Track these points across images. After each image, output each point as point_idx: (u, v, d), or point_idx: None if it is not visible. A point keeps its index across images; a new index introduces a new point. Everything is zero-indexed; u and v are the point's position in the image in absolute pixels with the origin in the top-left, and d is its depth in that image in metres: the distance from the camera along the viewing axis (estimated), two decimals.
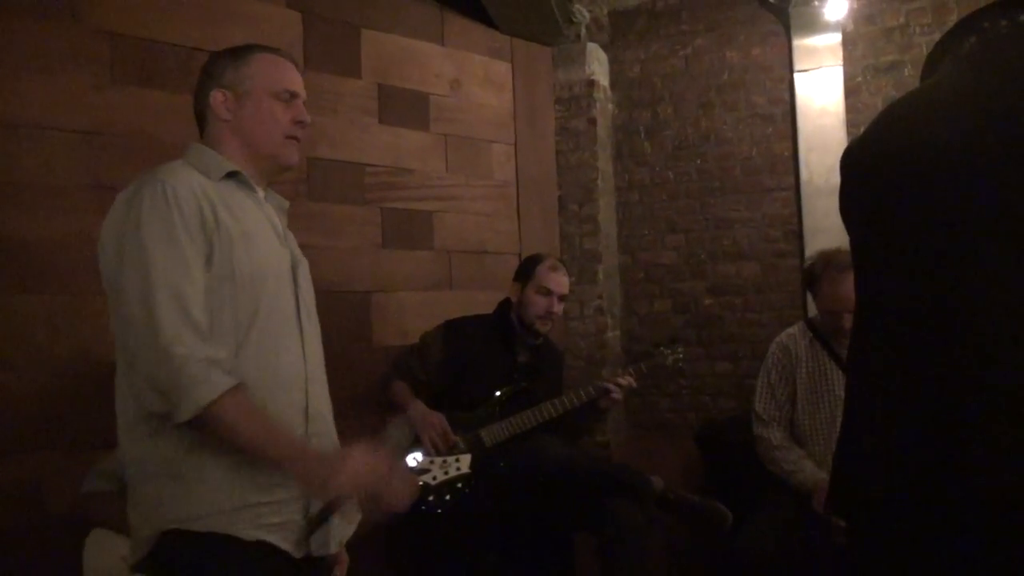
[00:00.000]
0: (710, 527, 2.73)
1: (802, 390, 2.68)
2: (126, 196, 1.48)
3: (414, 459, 2.52)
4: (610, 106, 4.02)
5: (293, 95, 1.62)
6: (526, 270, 2.89)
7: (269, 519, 1.45)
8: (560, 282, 2.84)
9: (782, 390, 2.71)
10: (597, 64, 3.85)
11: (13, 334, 2.35)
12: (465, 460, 2.50)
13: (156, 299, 1.37)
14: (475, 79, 3.53)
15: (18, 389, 2.34)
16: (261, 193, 1.65)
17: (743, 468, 2.87)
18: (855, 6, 3.67)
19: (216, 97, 1.59)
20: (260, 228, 1.57)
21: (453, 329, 2.84)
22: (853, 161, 1.32)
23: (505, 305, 2.90)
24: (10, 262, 2.36)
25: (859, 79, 3.68)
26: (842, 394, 1.89)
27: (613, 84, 4.04)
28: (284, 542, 1.48)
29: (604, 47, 3.97)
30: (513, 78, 3.67)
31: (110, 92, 2.57)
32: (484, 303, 3.06)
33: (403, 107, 3.28)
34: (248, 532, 1.43)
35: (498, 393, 2.73)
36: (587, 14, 3.81)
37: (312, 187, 2.98)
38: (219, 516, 1.42)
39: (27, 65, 2.42)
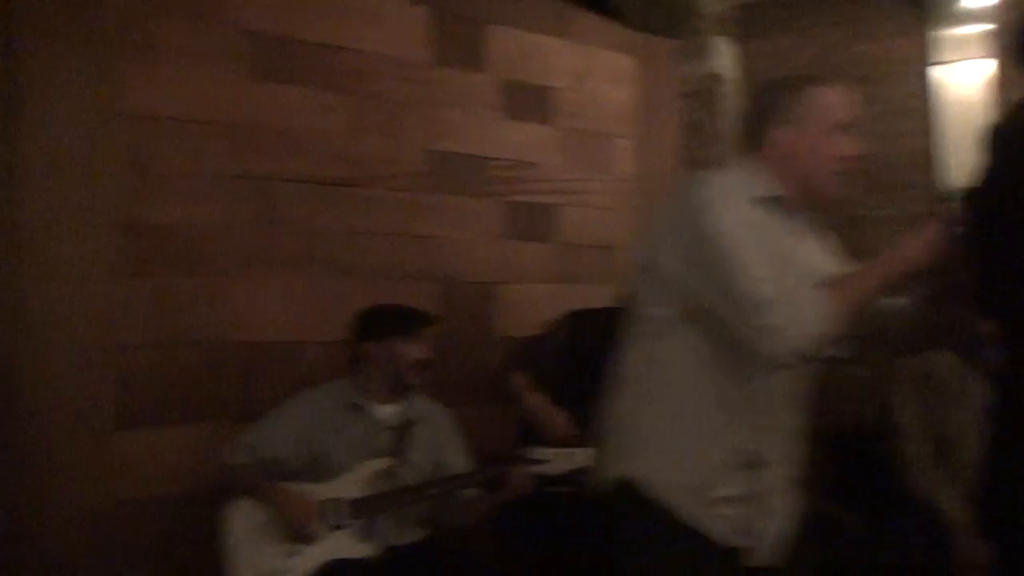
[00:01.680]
0: (839, 535, 2.63)
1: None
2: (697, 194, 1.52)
3: (537, 451, 2.52)
4: (736, 101, 3.93)
5: (845, 128, 1.61)
6: None
7: (720, 510, 1.52)
8: None
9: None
10: (724, 57, 3.78)
11: (162, 314, 2.49)
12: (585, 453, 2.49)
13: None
14: (599, 74, 3.53)
15: (165, 366, 2.48)
16: (798, 221, 1.65)
17: (874, 476, 2.76)
18: None
19: (779, 135, 1.60)
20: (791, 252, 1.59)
21: (577, 319, 2.84)
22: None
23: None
24: (158, 247, 2.51)
25: (1007, 71, 3.47)
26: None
27: (741, 78, 3.95)
28: (723, 536, 1.53)
29: (732, 40, 3.89)
30: (638, 72, 3.64)
31: (249, 88, 2.68)
32: (604, 297, 3.05)
33: (527, 101, 3.31)
34: (704, 520, 1.52)
35: None
36: (715, 6, 3.74)
37: (437, 179, 3.04)
38: (678, 491, 1.53)
39: (174, 61, 2.56)
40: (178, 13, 2.58)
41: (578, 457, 2.42)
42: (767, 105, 1.63)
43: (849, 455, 3.17)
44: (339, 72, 2.86)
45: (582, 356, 2.75)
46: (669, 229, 1.54)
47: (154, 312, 2.48)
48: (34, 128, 2.33)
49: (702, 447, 1.53)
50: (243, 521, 2.18)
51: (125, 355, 2.42)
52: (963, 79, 3.48)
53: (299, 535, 2.13)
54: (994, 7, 3.46)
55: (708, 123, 3.70)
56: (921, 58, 3.61)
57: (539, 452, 2.51)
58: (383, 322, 2.42)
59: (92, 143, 2.40)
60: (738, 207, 1.48)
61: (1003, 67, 3.44)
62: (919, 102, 3.61)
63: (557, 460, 2.46)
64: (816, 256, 1.66)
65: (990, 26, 3.46)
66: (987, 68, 3.44)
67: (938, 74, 3.53)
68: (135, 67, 2.48)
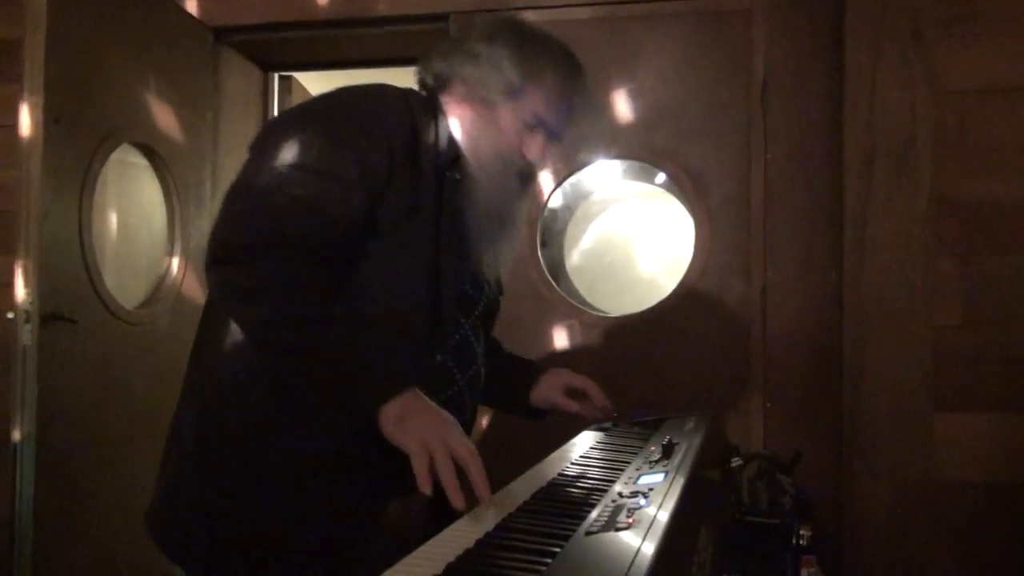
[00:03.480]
0: None
1: None
2: None
3: None
4: None
5: None
6: None
7: None
8: None
9: None
10: None
11: (977, 295, 2.40)
12: None
13: None
14: None
15: (982, 348, 2.39)
16: None
17: None
18: None
19: None
20: None
21: None
22: None
23: None
24: (970, 224, 2.41)
25: None
26: None
27: None
28: None
29: None
30: None
31: None
32: None
33: None
34: None
35: None
36: None
37: None
38: None
39: (988, 31, 2.42)
40: None
41: None
42: None
43: None
44: None
45: None
46: None
47: (969, 292, 2.41)
48: (855, 117, 2.45)
49: None
50: None
51: (941, 335, 2.41)
52: None
53: None
54: None
55: None
56: None
57: None
58: None
59: (910, 123, 2.42)
60: None
61: None
62: None
63: None
64: None
65: None
66: None
67: None
68: (950, 42, 2.42)
